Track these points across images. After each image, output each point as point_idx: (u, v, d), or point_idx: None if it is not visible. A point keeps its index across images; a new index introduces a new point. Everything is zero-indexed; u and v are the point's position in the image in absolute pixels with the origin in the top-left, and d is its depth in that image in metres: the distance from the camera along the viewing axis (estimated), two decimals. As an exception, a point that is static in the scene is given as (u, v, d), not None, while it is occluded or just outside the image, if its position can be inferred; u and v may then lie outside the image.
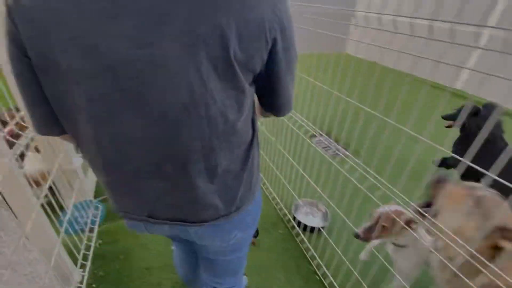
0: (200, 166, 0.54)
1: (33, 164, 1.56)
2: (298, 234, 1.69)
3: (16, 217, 0.93)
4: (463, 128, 1.77)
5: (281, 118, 1.79)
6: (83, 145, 0.55)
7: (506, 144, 1.66)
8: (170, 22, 0.41)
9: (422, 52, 0.81)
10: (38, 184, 1.50)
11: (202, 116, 0.49)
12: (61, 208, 1.29)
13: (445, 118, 1.93)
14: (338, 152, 1.34)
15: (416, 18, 0.85)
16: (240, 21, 0.43)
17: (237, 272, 0.94)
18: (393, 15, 0.93)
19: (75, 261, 1.31)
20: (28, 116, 0.53)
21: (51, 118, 0.52)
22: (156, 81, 0.44)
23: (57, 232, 1.19)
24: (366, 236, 1.10)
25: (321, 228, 1.58)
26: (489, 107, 1.71)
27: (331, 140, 1.48)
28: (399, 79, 1.03)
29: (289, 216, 1.81)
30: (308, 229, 1.67)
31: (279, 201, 1.94)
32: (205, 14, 0.41)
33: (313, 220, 1.81)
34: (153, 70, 0.43)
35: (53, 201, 1.22)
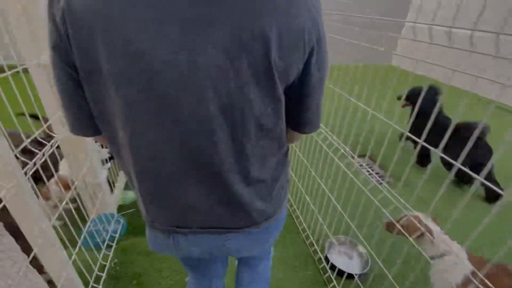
0: (234, 172, 0.55)
1: (67, 167, 1.54)
2: (330, 279, 1.45)
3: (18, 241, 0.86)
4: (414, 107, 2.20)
5: (315, 139, 1.61)
6: (118, 150, 0.56)
7: (447, 117, 2.18)
8: (215, 29, 0.42)
9: (485, 70, 0.66)
10: (69, 187, 1.48)
11: (238, 121, 0.50)
12: (76, 224, 1.22)
13: (399, 98, 2.26)
14: (377, 184, 1.11)
15: (479, 31, 0.67)
16: (282, 30, 0.44)
17: (271, 250, 1.03)
18: (450, 27, 0.74)
19: (86, 282, 1.24)
20: (64, 117, 0.55)
21: (86, 121, 0.53)
22: (196, 86, 0.45)
23: (70, 251, 1.13)
24: (387, 228, 1.18)
25: (356, 276, 1.33)
26: (432, 89, 2.12)
27: (368, 169, 1.23)
28: (454, 97, 0.82)
29: (320, 255, 1.58)
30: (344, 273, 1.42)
31: (309, 233, 1.72)
32: (249, 22, 0.42)
33: (349, 263, 1.55)
34: (194, 76, 0.44)
35: (66, 218, 1.16)
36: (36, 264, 0.83)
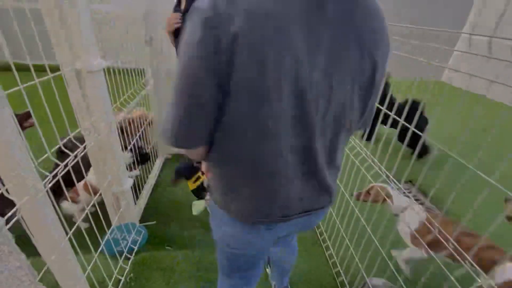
0: (326, 162, 0.67)
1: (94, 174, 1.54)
2: (363, 332, 1.25)
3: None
4: None
5: (356, 165, 1.44)
6: (238, 161, 0.62)
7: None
8: (348, 61, 0.55)
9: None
10: (95, 193, 1.47)
11: (341, 126, 0.63)
12: (94, 234, 1.18)
13: None
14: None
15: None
16: (382, 57, 0.59)
17: None
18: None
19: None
20: (176, 130, 0.57)
21: (203, 134, 0.58)
22: (326, 103, 0.57)
23: (87, 258, 1.08)
24: (358, 197, 1.48)
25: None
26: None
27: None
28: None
29: (353, 299, 1.37)
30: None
31: (340, 270, 1.52)
32: (369, 55, 0.56)
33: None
34: (328, 95, 0.56)
35: (83, 230, 1.12)
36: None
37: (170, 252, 1.62)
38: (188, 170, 1.32)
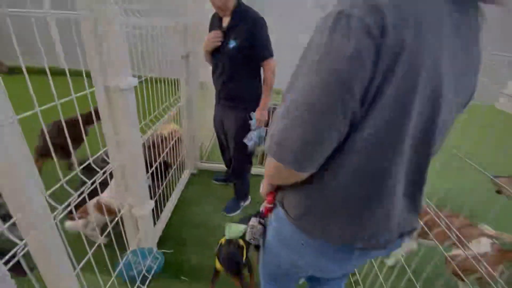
0: (425, 181, 0.64)
1: (111, 192, 1.47)
2: None
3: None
4: None
5: None
6: (354, 180, 0.56)
7: None
8: (465, 81, 0.55)
9: None
10: (111, 213, 1.39)
11: (439, 148, 0.63)
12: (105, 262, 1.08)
13: None
14: None
15: None
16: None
17: None
18: None
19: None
20: (298, 150, 0.51)
21: (324, 156, 0.54)
22: (445, 117, 0.54)
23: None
24: None
25: None
26: None
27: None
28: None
29: None
30: None
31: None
32: (475, 79, 0.58)
33: None
34: (449, 114, 0.55)
35: (93, 262, 1.02)
36: None
37: (185, 285, 1.49)
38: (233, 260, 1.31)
